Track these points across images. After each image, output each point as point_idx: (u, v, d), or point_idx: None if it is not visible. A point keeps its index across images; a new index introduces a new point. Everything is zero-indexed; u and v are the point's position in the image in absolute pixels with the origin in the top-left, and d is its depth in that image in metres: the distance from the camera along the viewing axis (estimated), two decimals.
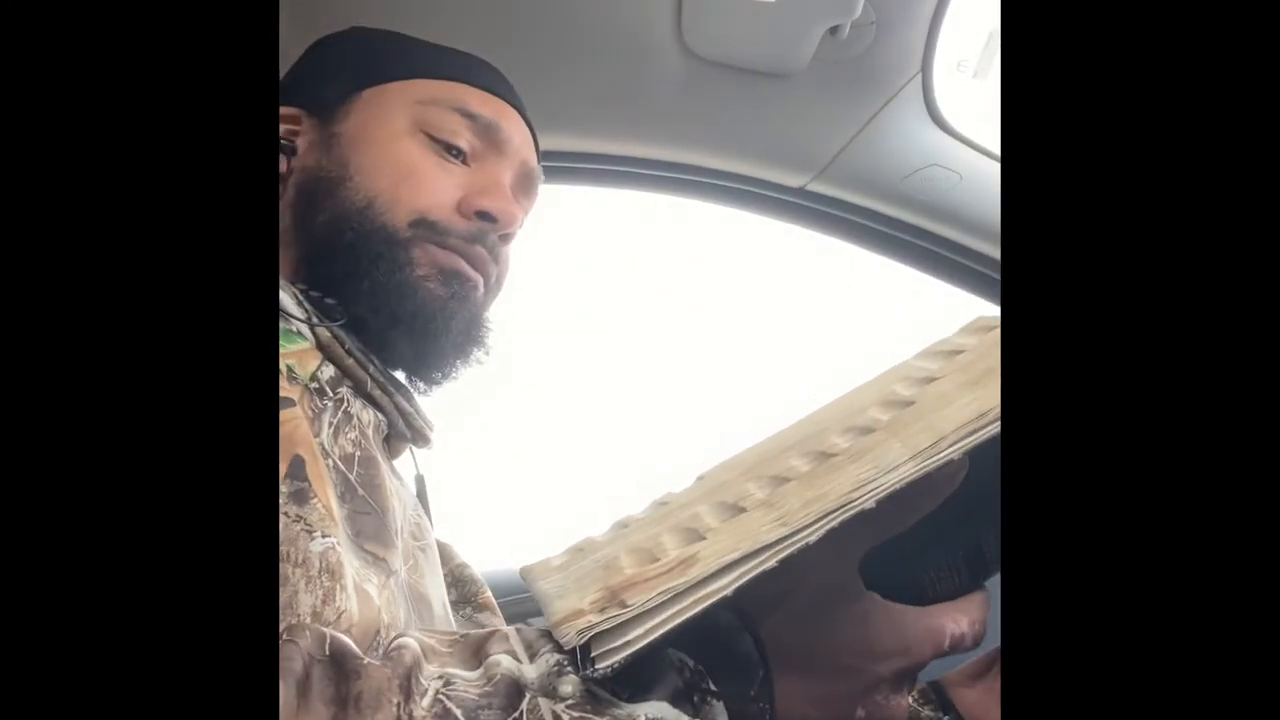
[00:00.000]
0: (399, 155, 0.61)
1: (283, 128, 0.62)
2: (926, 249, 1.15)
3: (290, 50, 0.71)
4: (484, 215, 0.61)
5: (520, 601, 1.06)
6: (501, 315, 0.68)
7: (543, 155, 0.75)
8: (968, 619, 0.38)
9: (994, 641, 0.41)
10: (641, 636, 0.32)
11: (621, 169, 1.08)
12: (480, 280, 0.62)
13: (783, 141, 1.04)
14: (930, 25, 0.89)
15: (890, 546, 0.37)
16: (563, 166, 1.06)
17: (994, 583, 0.43)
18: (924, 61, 0.92)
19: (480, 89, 0.66)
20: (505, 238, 0.65)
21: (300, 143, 0.62)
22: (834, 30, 0.88)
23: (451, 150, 0.63)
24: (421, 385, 0.64)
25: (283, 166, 0.61)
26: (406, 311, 0.58)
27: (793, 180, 1.09)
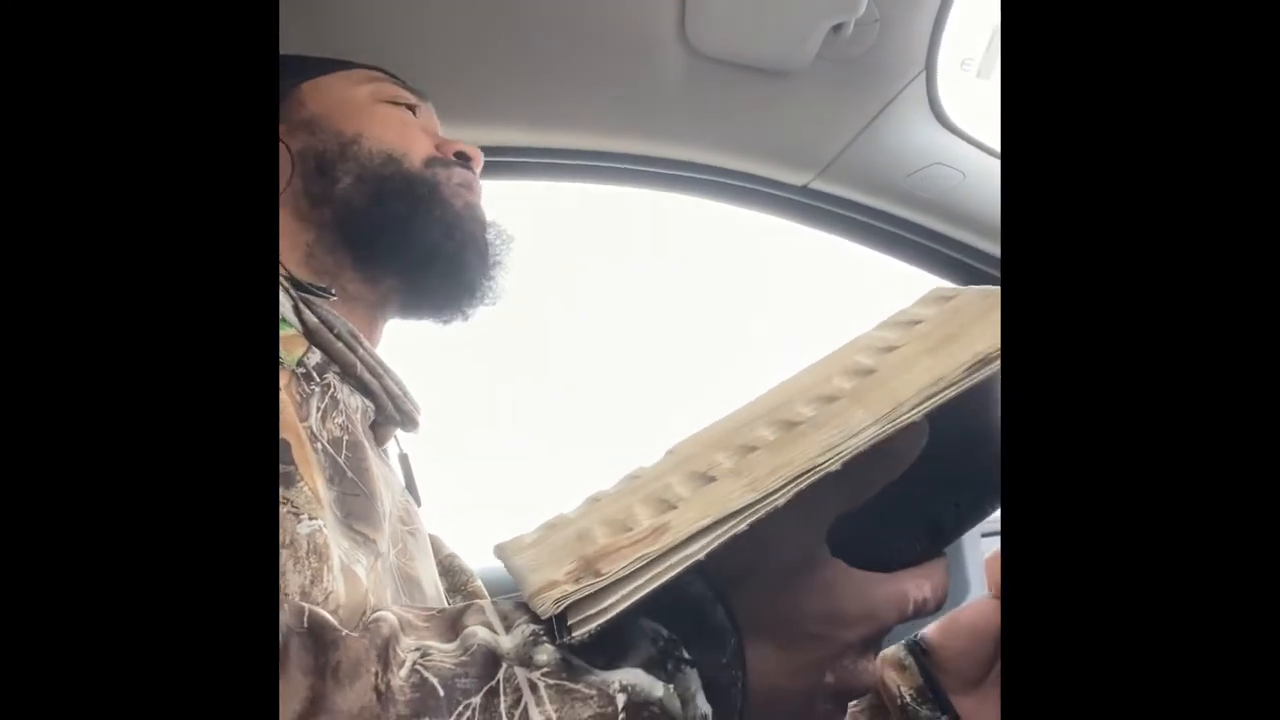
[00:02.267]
0: (387, 115, 0.70)
1: None
2: (929, 247, 1.15)
3: (291, 50, 0.71)
4: (461, 155, 0.72)
5: (511, 599, 1.05)
6: (502, 312, 0.73)
7: (544, 153, 0.79)
8: (930, 584, 0.39)
9: (957, 602, 0.41)
10: (616, 604, 0.33)
11: (624, 166, 1.08)
12: (481, 209, 0.71)
13: (786, 139, 1.04)
14: (934, 23, 0.89)
15: (854, 517, 0.38)
16: (565, 164, 1.06)
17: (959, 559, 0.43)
18: (927, 60, 0.92)
19: (383, 72, 0.75)
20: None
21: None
22: (838, 28, 0.87)
23: (411, 110, 0.72)
24: (471, 307, 0.71)
25: None
26: (469, 234, 0.68)
27: (796, 178, 1.09)
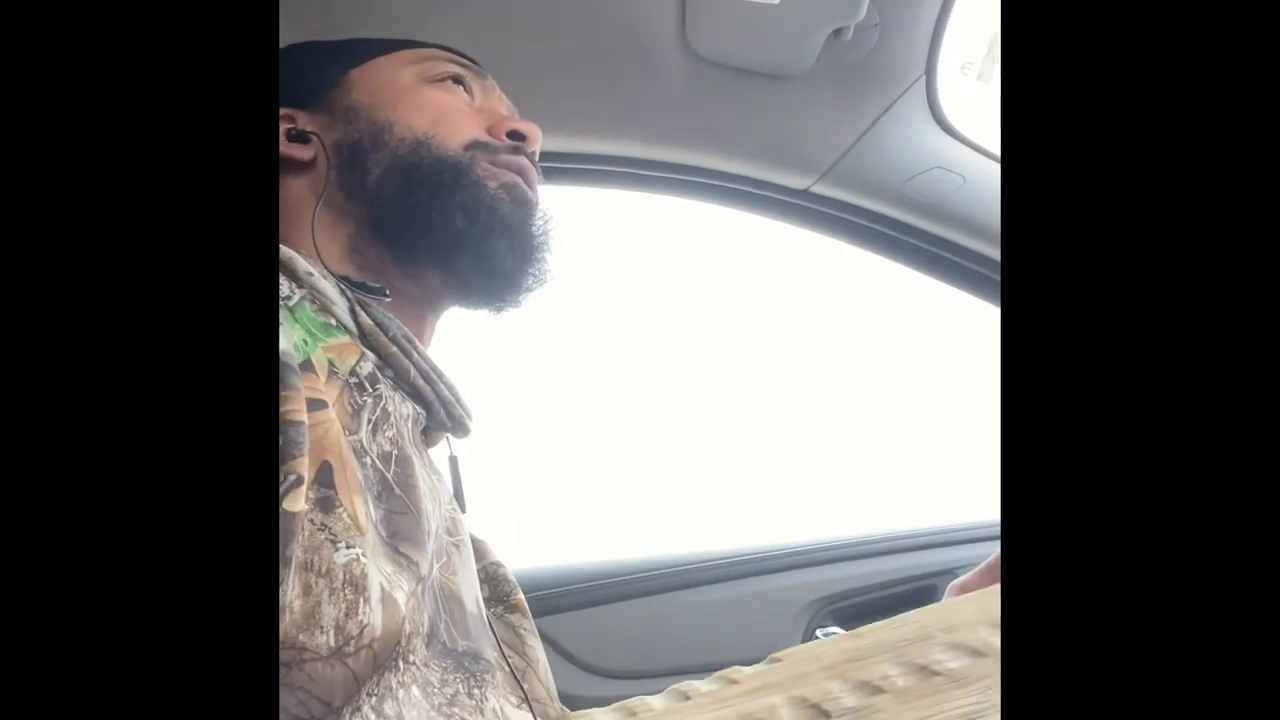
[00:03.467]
0: (427, 99, 0.66)
1: (280, 128, 0.64)
2: (929, 251, 1.15)
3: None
4: (515, 135, 0.67)
5: (545, 599, 1.06)
6: (502, 316, 0.70)
7: (545, 156, 0.77)
8: None
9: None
10: None
11: (625, 170, 1.08)
12: (529, 190, 0.67)
13: (786, 143, 1.04)
14: (934, 28, 0.89)
15: None
16: (566, 167, 1.06)
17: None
18: (928, 64, 0.92)
19: (445, 50, 0.71)
20: (531, 155, 0.70)
21: (310, 128, 0.64)
22: (838, 33, 0.88)
23: (460, 84, 0.69)
24: (513, 298, 0.67)
25: (306, 155, 0.64)
26: (498, 219, 0.63)
27: (797, 182, 1.09)
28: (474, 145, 0.65)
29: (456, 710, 0.48)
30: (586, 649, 1.07)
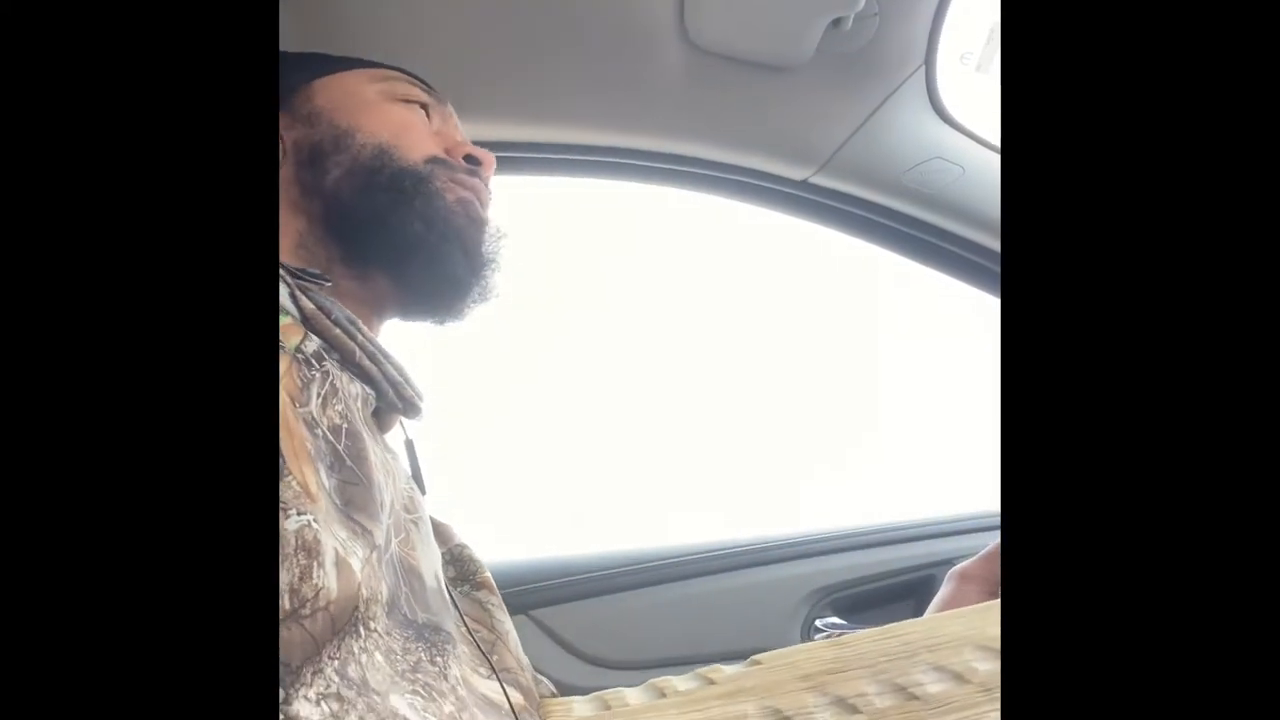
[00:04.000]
0: (388, 113, 0.69)
1: None
2: (928, 241, 1.15)
3: (289, 47, 0.71)
4: (471, 159, 0.71)
5: (543, 590, 1.07)
6: (499, 308, 0.72)
7: (542, 148, 0.79)
8: None
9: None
10: None
11: (622, 161, 1.08)
12: (482, 209, 0.71)
13: (785, 134, 1.04)
14: (933, 18, 0.88)
15: None
16: (562, 159, 1.06)
17: None
18: (927, 54, 0.92)
19: (404, 73, 0.74)
20: (484, 179, 0.73)
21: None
22: (837, 23, 0.87)
23: (423, 108, 0.72)
24: (461, 307, 0.69)
25: None
26: (454, 228, 0.66)
27: (795, 173, 1.09)
28: (433, 160, 0.68)
29: (420, 675, 0.50)
30: (585, 640, 1.07)
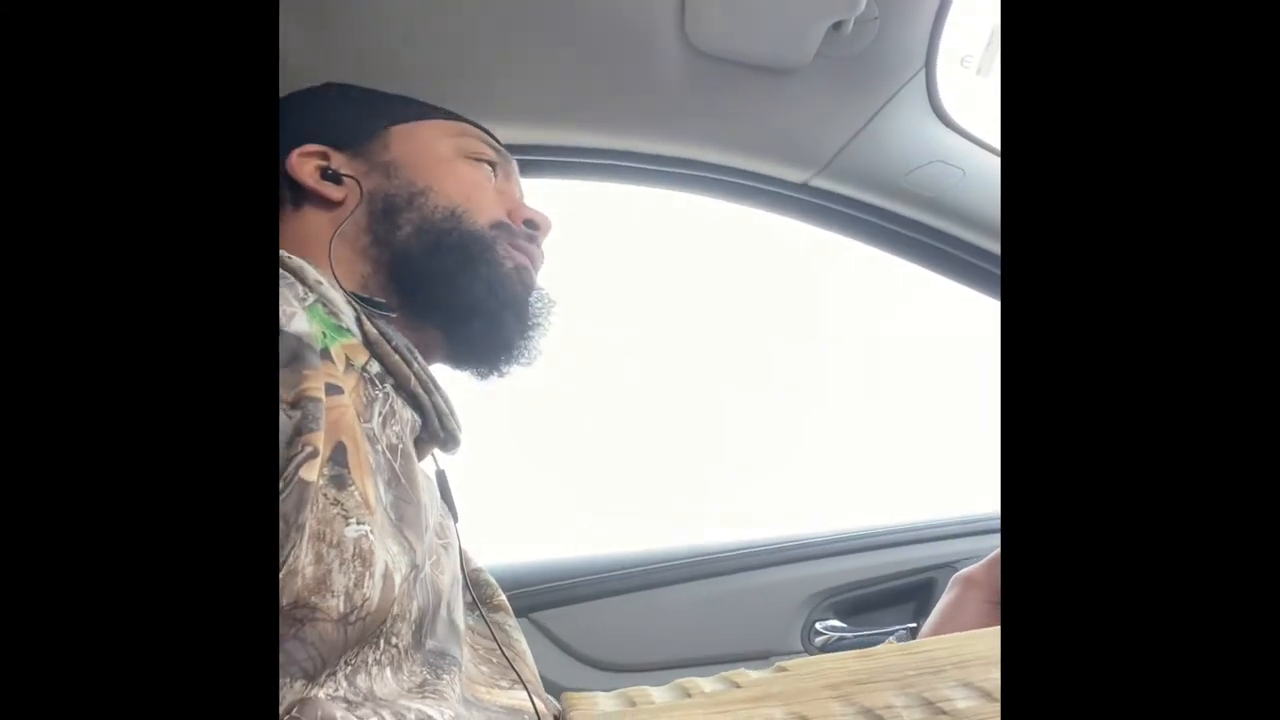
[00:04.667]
0: (463, 173, 0.72)
1: (313, 164, 0.69)
2: (929, 244, 1.15)
3: (290, 48, 0.71)
4: (531, 224, 0.75)
5: (544, 592, 1.07)
6: (485, 382, 0.75)
7: (544, 150, 0.82)
8: None
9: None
10: None
11: (622, 163, 1.08)
12: (534, 275, 0.74)
13: (785, 137, 1.04)
14: (934, 21, 0.88)
15: None
16: (564, 161, 1.06)
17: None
18: (927, 57, 0.92)
19: (483, 131, 0.78)
20: (540, 243, 0.77)
21: (345, 170, 0.69)
22: (837, 25, 0.87)
23: (492, 167, 0.75)
24: (505, 367, 0.73)
25: (338, 195, 0.68)
26: (511, 296, 0.70)
27: (795, 176, 1.09)
28: (497, 225, 0.71)
29: (425, 692, 0.52)
30: (586, 642, 1.07)
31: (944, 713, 0.31)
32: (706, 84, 0.97)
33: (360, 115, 0.73)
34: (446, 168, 0.71)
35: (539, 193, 0.81)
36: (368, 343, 0.60)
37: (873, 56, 0.92)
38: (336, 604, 0.44)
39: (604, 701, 0.39)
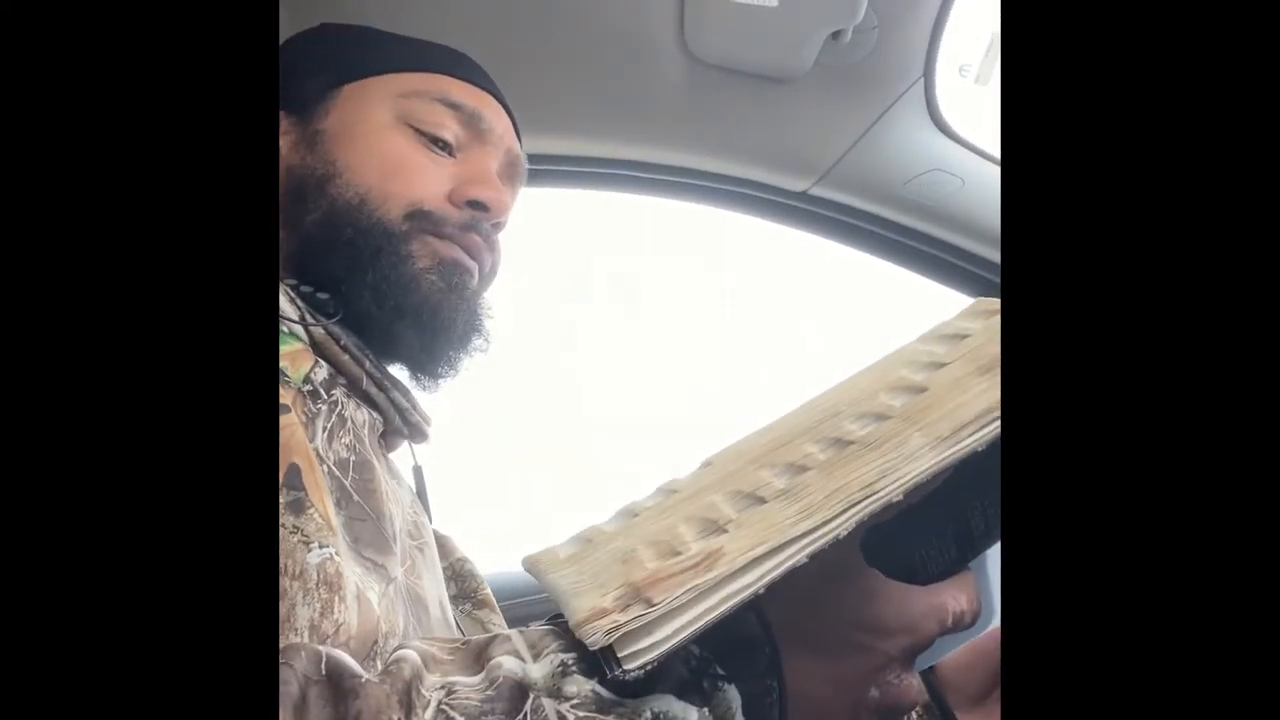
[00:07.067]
0: (385, 149, 0.60)
1: None
2: (928, 253, 1.15)
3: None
4: (476, 204, 0.62)
5: (520, 605, 1.06)
6: (502, 318, 0.68)
7: (545, 159, 0.75)
8: (965, 596, 0.38)
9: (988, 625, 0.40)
10: (670, 637, 0.31)
11: (623, 173, 1.08)
12: (476, 269, 0.63)
13: (785, 146, 1.04)
14: (932, 30, 0.89)
15: (884, 526, 0.37)
16: (565, 170, 1.06)
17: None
18: (926, 66, 0.92)
19: (460, 79, 0.66)
20: (497, 226, 0.65)
21: (283, 141, 0.62)
22: (836, 35, 0.88)
23: (438, 143, 0.62)
24: (426, 381, 0.64)
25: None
26: (410, 305, 0.58)
27: (795, 184, 1.09)
28: (415, 214, 0.59)
29: None
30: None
31: (851, 442, 0.35)
32: (706, 93, 0.97)
33: (320, 69, 0.63)
34: (371, 141, 0.60)
35: (540, 202, 0.80)
36: (314, 344, 0.54)
37: (871, 65, 0.92)
38: (301, 639, 0.40)
39: (563, 549, 0.40)
